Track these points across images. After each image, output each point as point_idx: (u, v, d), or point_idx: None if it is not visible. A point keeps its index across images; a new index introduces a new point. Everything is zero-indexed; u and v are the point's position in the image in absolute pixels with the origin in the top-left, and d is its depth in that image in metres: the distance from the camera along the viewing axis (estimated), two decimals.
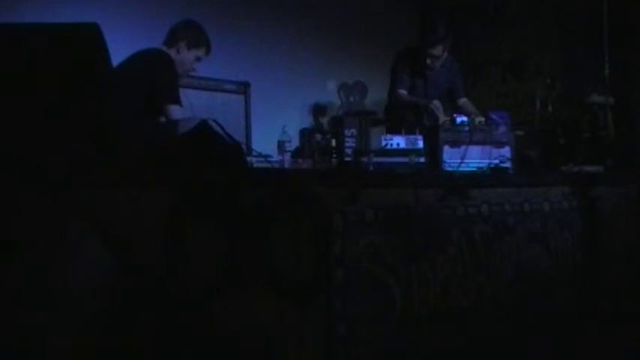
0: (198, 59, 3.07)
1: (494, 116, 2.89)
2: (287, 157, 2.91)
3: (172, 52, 3.00)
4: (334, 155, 2.78)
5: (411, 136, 2.72)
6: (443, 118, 3.33)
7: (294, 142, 3.24)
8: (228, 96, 3.91)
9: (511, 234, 2.33)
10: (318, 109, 5.24)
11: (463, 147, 2.69)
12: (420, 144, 2.71)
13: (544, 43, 4.84)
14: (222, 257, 1.68)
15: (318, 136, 3.01)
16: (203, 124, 1.86)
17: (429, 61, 3.73)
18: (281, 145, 3.07)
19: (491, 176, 2.57)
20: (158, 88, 2.80)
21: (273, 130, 3.21)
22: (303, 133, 3.48)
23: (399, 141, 2.69)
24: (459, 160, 2.66)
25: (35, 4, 3.68)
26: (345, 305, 1.87)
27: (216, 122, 1.87)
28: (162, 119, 2.82)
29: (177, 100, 2.81)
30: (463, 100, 3.93)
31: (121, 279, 1.54)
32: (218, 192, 1.69)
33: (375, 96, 4.92)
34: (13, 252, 1.42)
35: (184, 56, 3.01)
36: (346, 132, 2.73)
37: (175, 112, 2.78)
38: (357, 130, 2.73)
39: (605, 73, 3.28)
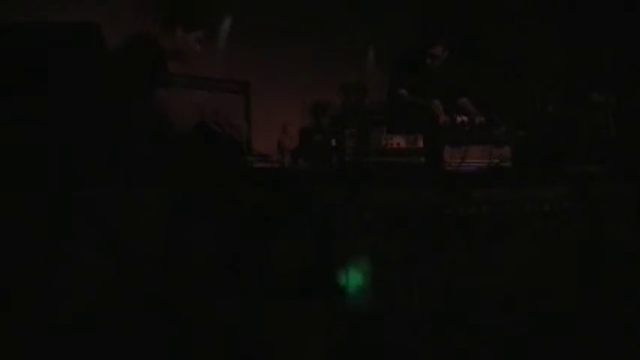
0: (199, 41, 2.96)
1: (494, 116, 2.89)
2: (287, 157, 2.91)
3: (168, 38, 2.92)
4: (334, 155, 2.78)
5: (411, 136, 2.72)
6: (443, 118, 3.33)
7: (294, 142, 3.24)
8: (228, 96, 3.90)
9: (511, 234, 2.32)
10: (318, 109, 5.24)
11: (463, 147, 2.69)
12: (420, 144, 2.70)
13: (544, 43, 4.83)
14: (222, 257, 1.68)
15: (318, 136, 3.01)
16: (202, 126, 1.86)
17: (429, 61, 3.73)
18: (281, 145, 3.08)
19: (491, 176, 2.56)
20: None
21: (273, 130, 3.21)
22: (303, 133, 3.49)
23: (399, 141, 2.69)
24: (459, 160, 2.65)
25: (35, 4, 3.68)
26: (345, 305, 1.87)
27: (215, 122, 1.87)
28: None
29: (164, 84, 2.68)
30: (463, 100, 3.92)
31: (120, 278, 1.54)
32: (218, 192, 1.69)
33: (375, 96, 4.92)
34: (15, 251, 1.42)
35: (182, 40, 2.91)
36: (346, 132, 2.73)
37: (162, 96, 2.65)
38: (357, 130, 2.73)
39: (605, 73, 3.28)
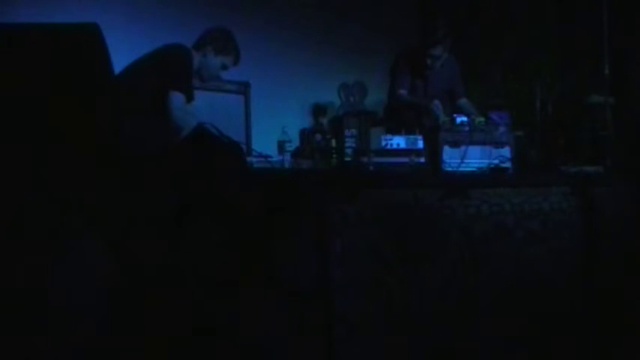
0: (224, 67, 3.06)
1: (494, 116, 2.89)
2: (287, 157, 2.91)
3: (198, 56, 2.98)
4: (334, 155, 2.79)
5: (411, 136, 2.72)
6: (443, 118, 3.34)
7: (294, 142, 3.24)
8: (228, 96, 3.90)
9: (511, 234, 2.32)
10: (318, 109, 5.24)
11: (463, 147, 2.69)
12: (420, 144, 2.71)
13: (544, 43, 4.83)
14: (222, 257, 1.68)
15: (318, 137, 3.02)
16: (200, 128, 1.86)
17: (429, 61, 3.73)
18: (281, 145, 3.08)
19: (491, 176, 2.57)
20: (165, 76, 2.74)
21: (273, 130, 3.21)
22: (303, 133, 3.49)
23: (399, 141, 2.69)
24: (459, 160, 2.66)
25: (35, 4, 3.68)
26: (345, 305, 1.87)
27: (213, 125, 1.88)
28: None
29: (181, 88, 2.73)
30: (463, 101, 3.93)
31: (120, 279, 1.54)
32: (218, 193, 1.69)
33: (375, 96, 4.92)
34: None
35: (210, 61, 3.00)
36: (346, 132, 2.74)
37: (176, 99, 2.69)
38: (357, 130, 2.73)
39: (605, 73, 3.28)
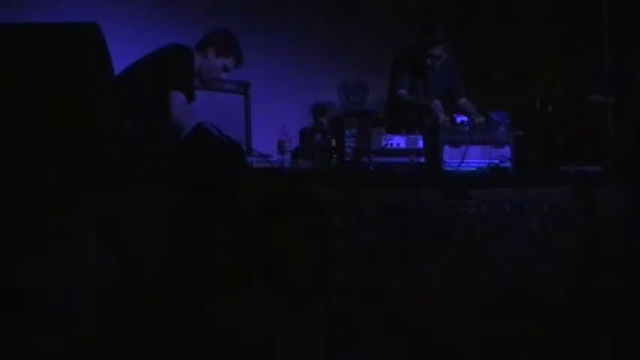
0: (226, 68, 3.03)
1: (494, 116, 2.89)
2: (287, 157, 2.91)
3: (199, 57, 2.97)
4: (334, 155, 2.78)
5: (411, 136, 2.72)
6: (443, 118, 3.33)
7: (294, 142, 3.24)
8: (228, 96, 3.90)
9: (511, 234, 2.32)
10: (318, 109, 5.24)
11: (463, 147, 2.69)
12: (420, 144, 2.71)
13: (544, 43, 4.83)
14: (222, 257, 1.68)
15: (318, 136, 3.01)
16: (200, 128, 1.86)
17: (429, 61, 3.73)
18: (281, 145, 3.08)
19: (491, 176, 2.56)
20: (166, 76, 2.74)
21: (273, 130, 3.21)
22: (303, 133, 3.49)
23: (399, 141, 2.69)
24: (459, 160, 2.66)
25: (35, 4, 3.68)
26: (345, 305, 1.87)
27: (213, 125, 1.88)
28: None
29: (181, 88, 2.73)
30: (463, 100, 3.93)
31: (121, 279, 1.54)
32: (218, 192, 1.69)
33: (375, 96, 4.92)
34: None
35: (211, 62, 2.98)
36: (346, 132, 2.73)
37: (177, 99, 2.70)
38: (357, 130, 2.73)
39: (605, 73, 3.27)
